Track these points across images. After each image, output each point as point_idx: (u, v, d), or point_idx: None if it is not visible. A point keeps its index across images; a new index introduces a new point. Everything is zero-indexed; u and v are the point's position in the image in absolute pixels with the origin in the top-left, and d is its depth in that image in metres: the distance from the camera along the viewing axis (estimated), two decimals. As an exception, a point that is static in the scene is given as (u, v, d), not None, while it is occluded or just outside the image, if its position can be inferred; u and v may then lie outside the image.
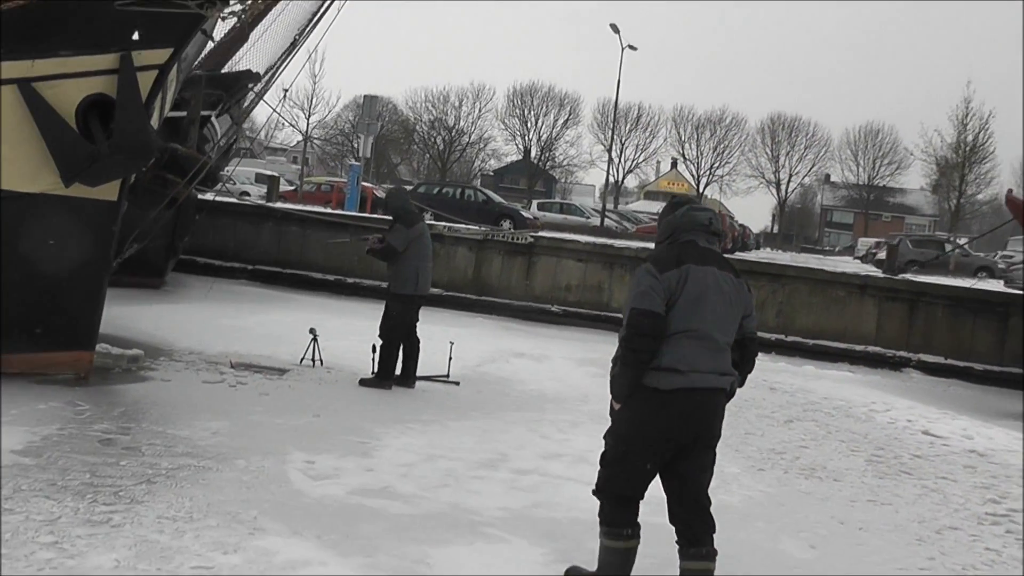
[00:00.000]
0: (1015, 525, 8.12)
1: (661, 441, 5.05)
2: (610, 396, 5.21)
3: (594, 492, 5.29)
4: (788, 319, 20.28)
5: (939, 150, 64.86)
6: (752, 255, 34.38)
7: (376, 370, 11.09)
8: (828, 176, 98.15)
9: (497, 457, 8.48)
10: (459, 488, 7.38)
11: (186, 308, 16.01)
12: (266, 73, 18.84)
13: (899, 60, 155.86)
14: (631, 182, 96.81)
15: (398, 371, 11.19)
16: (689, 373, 4.95)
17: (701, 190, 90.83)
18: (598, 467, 5.32)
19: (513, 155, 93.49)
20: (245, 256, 22.38)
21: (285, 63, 18.39)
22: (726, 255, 5.58)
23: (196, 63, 15.59)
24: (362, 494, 6.92)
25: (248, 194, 36.54)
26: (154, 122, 9.75)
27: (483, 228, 22.92)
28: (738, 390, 5.40)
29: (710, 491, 5.36)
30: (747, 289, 5.29)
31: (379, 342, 11.32)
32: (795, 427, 11.58)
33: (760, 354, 16.80)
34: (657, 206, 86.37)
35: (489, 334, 17.14)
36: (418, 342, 11.36)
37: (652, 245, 5.89)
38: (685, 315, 4.97)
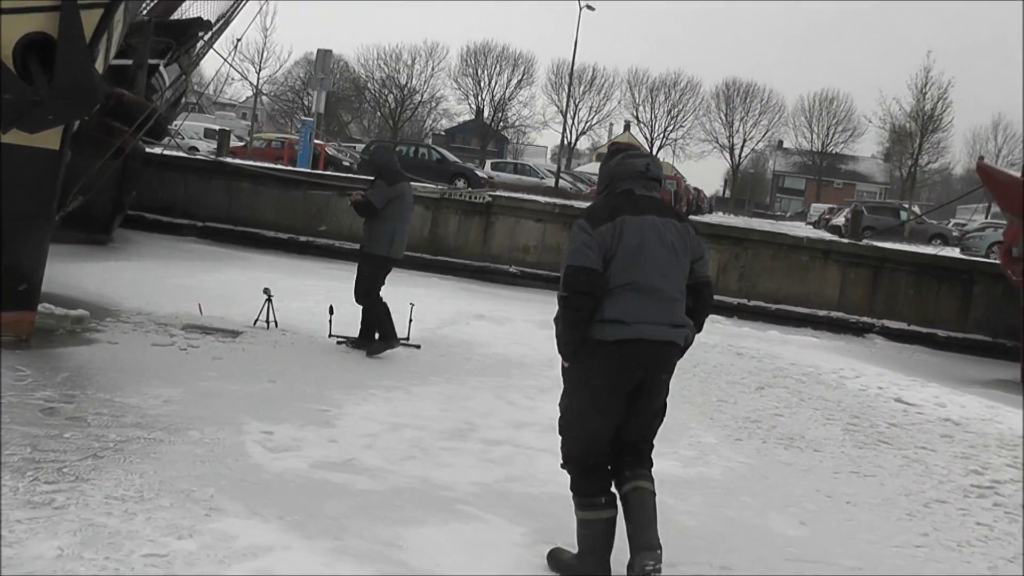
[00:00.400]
0: (1000, 498, 7.85)
1: (611, 393, 4.86)
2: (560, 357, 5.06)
3: (561, 465, 5.11)
4: (750, 284, 20.01)
5: (896, 118, 65.06)
6: (707, 218, 34.06)
7: (370, 334, 10.67)
8: (781, 142, 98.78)
9: (465, 426, 8.03)
10: (428, 461, 6.93)
11: (134, 266, 15.35)
12: (217, 21, 18.11)
13: (856, 28, 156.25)
14: (583, 144, 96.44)
15: (354, 333, 10.77)
16: (635, 324, 4.77)
17: (655, 153, 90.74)
18: (559, 437, 5.14)
19: (465, 115, 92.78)
20: (194, 213, 21.65)
21: (237, 10, 17.68)
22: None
23: (143, 9, 14.86)
24: (325, 468, 6.44)
25: (197, 149, 35.61)
26: (99, 65, 9.07)
27: (439, 186, 22.36)
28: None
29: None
30: (693, 232, 5.05)
31: (336, 304, 10.99)
32: (767, 394, 11.27)
33: (722, 318, 16.62)
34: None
35: (447, 295, 16.65)
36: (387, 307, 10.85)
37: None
38: (625, 268, 4.79)
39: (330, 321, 11.10)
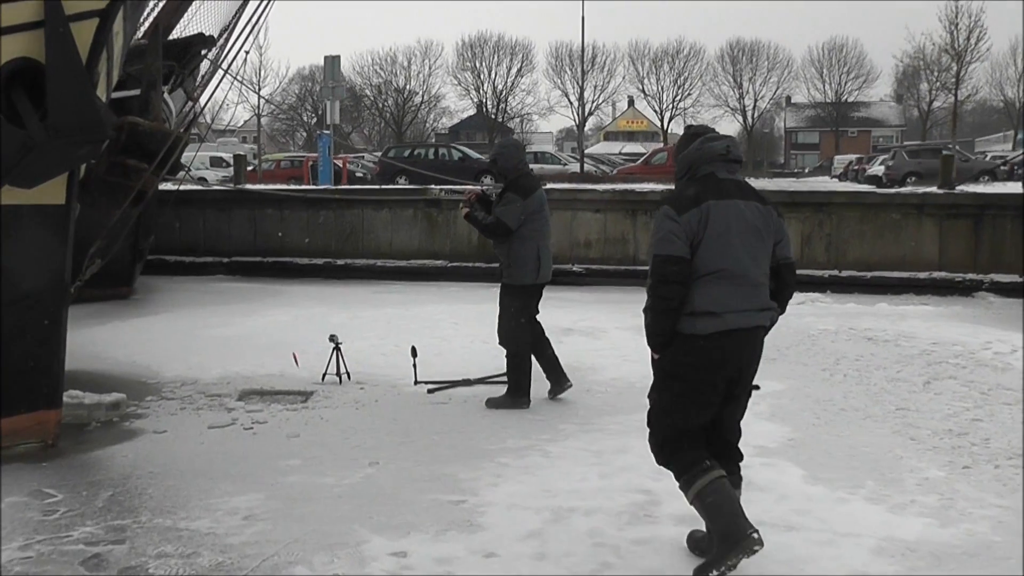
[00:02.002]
0: None
1: (707, 387, 4.80)
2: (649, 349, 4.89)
3: (657, 459, 5.04)
4: (839, 252, 17.98)
5: (930, 55, 63.34)
6: (764, 184, 32.07)
7: (508, 386, 8.66)
8: (789, 98, 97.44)
9: (643, 497, 6.10)
10: (628, 565, 5.04)
11: (164, 321, 13.47)
12: (220, 35, 16.22)
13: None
14: (587, 125, 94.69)
15: (439, 374, 8.85)
16: (725, 315, 4.69)
17: (665, 125, 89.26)
18: (647, 431, 5.06)
19: (467, 110, 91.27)
20: (218, 248, 19.75)
21: (239, 20, 15.69)
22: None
23: (144, 18, 12.95)
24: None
25: (206, 180, 33.80)
26: (101, 91, 7.18)
27: (485, 187, 20.39)
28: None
29: None
30: (776, 214, 4.94)
31: (418, 344, 9.12)
32: (940, 390, 9.36)
33: (819, 295, 14.69)
34: (617, 147, 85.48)
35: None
36: (542, 332, 8.91)
37: (666, 186, 4.52)
38: (712, 255, 4.69)
39: (414, 365, 9.25)
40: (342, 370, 9.35)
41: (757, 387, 9.17)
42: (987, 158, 50.90)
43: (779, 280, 4.94)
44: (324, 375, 9.34)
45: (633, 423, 7.88)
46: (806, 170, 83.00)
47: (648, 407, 5.04)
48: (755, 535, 4.64)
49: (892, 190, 21.08)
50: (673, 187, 5.17)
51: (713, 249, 4.67)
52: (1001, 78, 78.60)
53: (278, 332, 12.31)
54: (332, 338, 9.35)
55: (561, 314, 14.07)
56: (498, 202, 8.50)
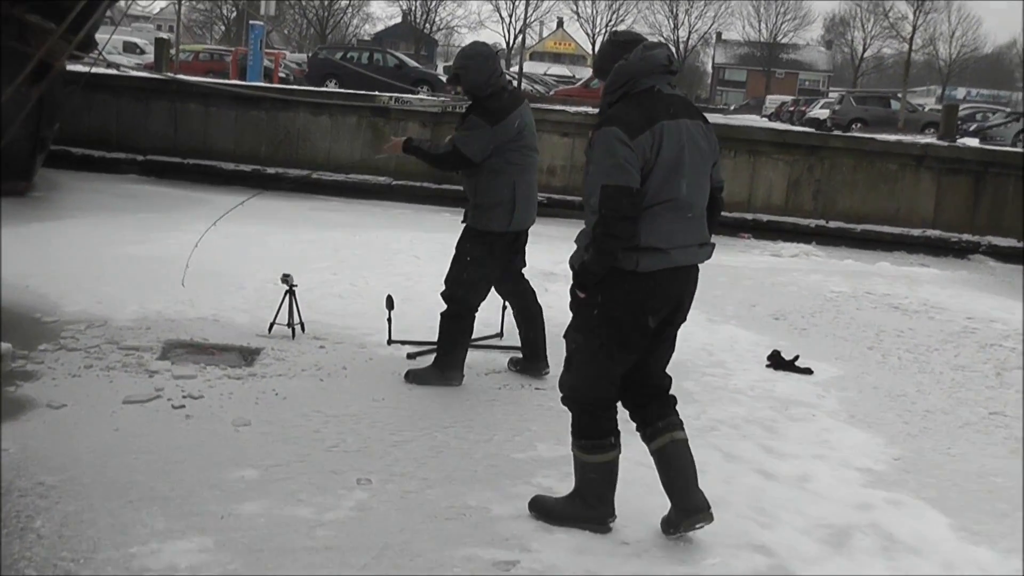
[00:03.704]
0: None
1: (641, 329, 4.23)
2: (573, 284, 4.27)
3: (564, 400, 4.47)
4: (829, 201, 16.34)
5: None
6: (748, 121, 30.41)
7: (437, 355, 6.57)
8: (720, 34, 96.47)
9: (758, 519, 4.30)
10: None
11: (68, 230, 11.17)
12: None
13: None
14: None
15: (419, 333, 6.78)
16: (670, 251, 4.14)
17: (595, 49, 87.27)
18: (564, 372, 4.43)
19: (393, 18, 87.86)
20: (133, 144, 17.18)
21: None
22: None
23: None
24: None
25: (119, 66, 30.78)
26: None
27: (441, 98, 18.24)
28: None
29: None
30: (714, 135, 4.36)
31: (378, 284, 7.37)
32: (1010, 382, 7.88)
33: (804, 244, 12.95)
34: (542, 68, 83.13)
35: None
36: (534, 296, 6.86)
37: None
38: (661, 184, 4.10)
39: (389, 320, 7.28)
40: (295, 319, 7.31)
41: (810, 371, 7.49)
42: (925, 110, 50.05)
43: (712, 206, 4.41)
44: (272, 325, 7.31)
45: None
46: (731, 107, 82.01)
47: (567, 346, 4.40)
48: (611, 523, 4.43)
49: (892, 137, 19.41)
50: (601, 105, 4.32)
51: (663, 177, 4.10)
52: (934, 34, 78.38)
53: (206, 254, 10.05)
54: (286, 279, 7.27)
55: (531, 251, 12.18)
56: (460, 124, 6.37)
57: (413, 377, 6.45)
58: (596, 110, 4.73)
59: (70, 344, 6.63)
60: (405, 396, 6.12)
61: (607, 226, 4.04)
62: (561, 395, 4.49)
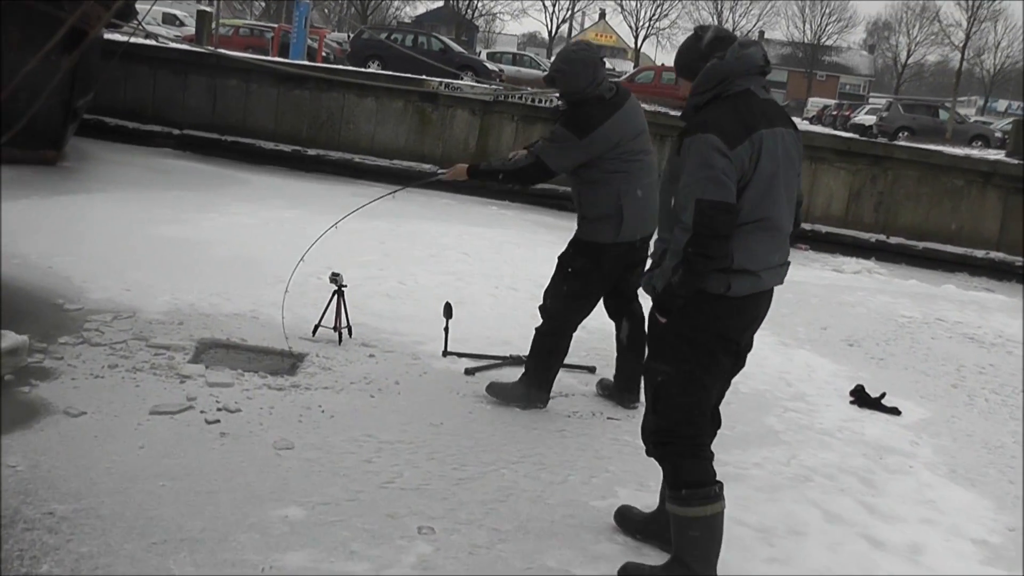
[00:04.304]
0: None
1: (724, 353, 3.84)
2: (653, 309, 3.80)
3: (655, 450, 3.90)
4: (890, 214, 15.58)
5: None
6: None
7: (524, 373, 5.93)
8: (763, 33, 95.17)
9: None
10: None
11: (96, 206, 10.61)
12: None
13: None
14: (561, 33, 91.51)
15: (476, 345, 6.14)
16: (761, 273, 3.77)
17: (639, 44, 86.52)
18: (649, 414, 3.90)
19: (435, 1, 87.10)
20: (170, 118, 16.63)
21: None
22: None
23: None
24: None
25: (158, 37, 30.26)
26: None
27: (494, 85, 17.57)
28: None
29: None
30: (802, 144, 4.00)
31: (428, 283, 6.53)
32: None
33: (865, 261, 12.68)
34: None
35: (538, 239, 12.08)
36: (641, 321, 6.02)
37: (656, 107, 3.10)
38: (758, 200, 3.69)
39: (446, 329, 6.66)
40: (342, 323, 6.69)
41: (898, 411, 6.81)
42: (970, 120, 48.95)
43: (794, 220, 4.05)
44: (316, 327, 6.69)
45: (778, 466, 5.40)
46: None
47: (649, 382, 3.92)
48: None
49: (961, 152, 18.61)
50: (687, 107, 3.86)
51: (760, 192, 3.71)
52: (984, 43, 77.31)
53: (242, 241, 9.59)
54: (335, 278, 6.67)
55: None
56: (551, 136, 5.66)
57: (495, 391, 5.85)
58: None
59: (94, 338, 6.03)
60: (465, 421, 5.48)
61: (701, 245, 3.63)
62: (648, 446, 3.97)
